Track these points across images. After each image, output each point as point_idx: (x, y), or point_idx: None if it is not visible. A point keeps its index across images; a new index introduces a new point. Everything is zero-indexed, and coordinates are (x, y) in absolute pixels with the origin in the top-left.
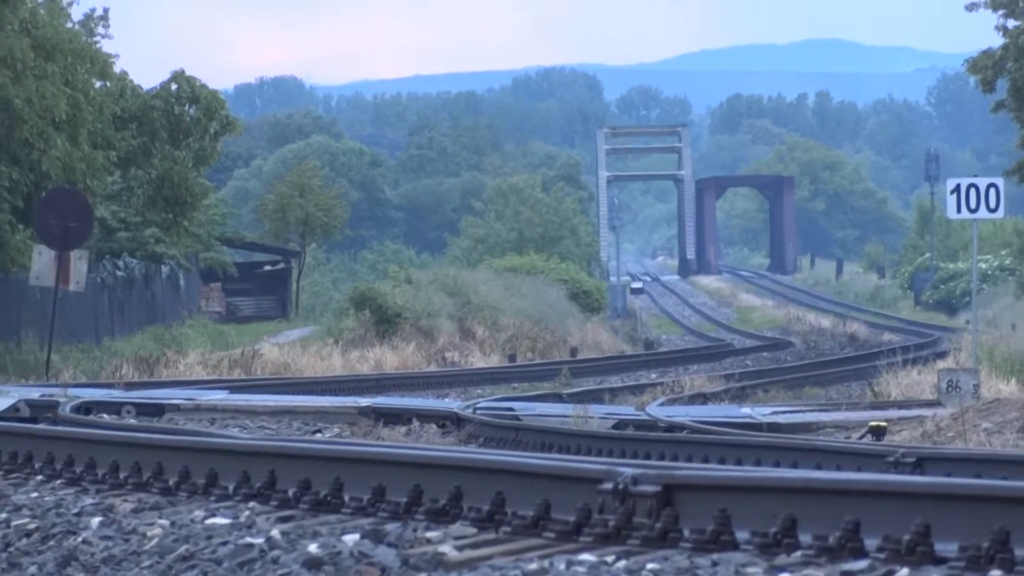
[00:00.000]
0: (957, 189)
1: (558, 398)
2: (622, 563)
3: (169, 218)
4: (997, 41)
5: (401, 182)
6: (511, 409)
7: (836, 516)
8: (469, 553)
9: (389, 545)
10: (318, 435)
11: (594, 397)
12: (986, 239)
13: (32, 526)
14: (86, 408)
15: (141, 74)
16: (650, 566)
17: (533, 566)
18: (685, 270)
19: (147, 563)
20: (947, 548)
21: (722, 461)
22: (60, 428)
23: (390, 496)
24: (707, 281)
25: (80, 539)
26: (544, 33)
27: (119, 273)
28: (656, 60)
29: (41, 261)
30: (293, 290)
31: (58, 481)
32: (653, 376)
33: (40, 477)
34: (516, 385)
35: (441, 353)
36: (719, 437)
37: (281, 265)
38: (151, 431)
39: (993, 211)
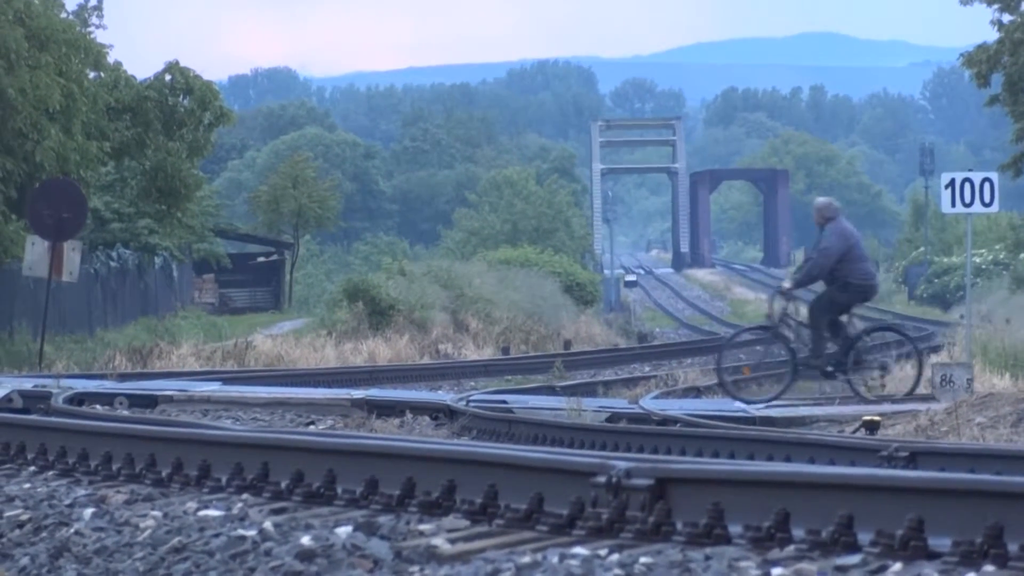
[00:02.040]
0: (952, 183)
1: (551, 391)
2: (615, 556)
3: (163, 209)
4: (992, 35)
5: (395, 174)
6: (504, 402)
7: (829, 510)
8: (462, 546)
9: (382, 537)
10: (311, 427)
11: (587, 390)
12: (980, 233)
13: (24, 517)
14: (79, 399)
15: (135, 65)
16: (643, 560)
17: (526, 559)
18: (679, 263)
19: (140, 554)
20: (940, 543)
21: (715, 455)
22: (53, 419)
23: (383, 488)
24: (701, 274)
25: (73, 530)
26: (538, 25)
27: (112, 264)
28: (650, 53)
29: (34, 252)
30: (286, 282)
31: (51, 472)
32: (647, 369)
33: (32, 468)
34: (509, 378)
35: (434, 345)
36: (712, 431)
37: (274, 257)
38: (144, 422)
39: (988, 205)
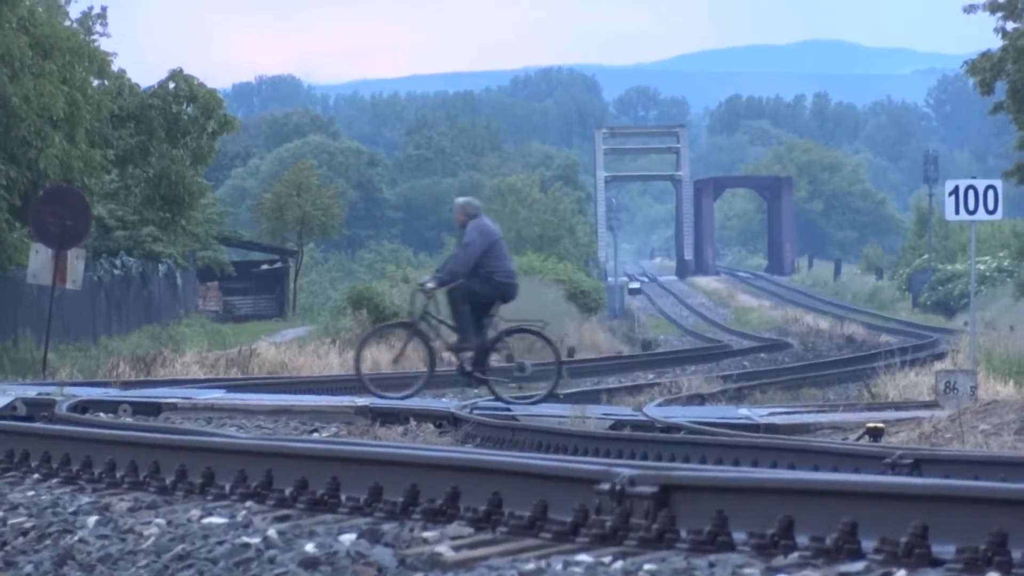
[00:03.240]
0: (956, 191)
1: (555, 398)
2: (619, 564)
3: (166, 217)
4: (996, 43)
5: (399, 182)
6: (508, 409)
7: (833, 518)
8: (466, 553)
9: (386, 545)
10: (315, 434)
11: (591, 397)
12: (984, 241)
13: (28, 525)
14: (83, 407)
15: (139, 73)
16: (647, 567)
17: (530, 566)
18: (683, 271)
19: (143, 562)
20: (944, 550)
21: (719, 462)
22: (57, 427)
23: (387, 496)
24: (705, 282)
25: (76, 538)
26: (542, 33)
27: (116, 272)
28: (654, 60)
29: (38, 259)
30: (290, 289)
31: (55, 480)
32: (650, 377)
33: (37, 476)
34: (513, 385)
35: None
36: (716, 438)
37: (278, 264)
38: (148, 430)
39: (991, 213)
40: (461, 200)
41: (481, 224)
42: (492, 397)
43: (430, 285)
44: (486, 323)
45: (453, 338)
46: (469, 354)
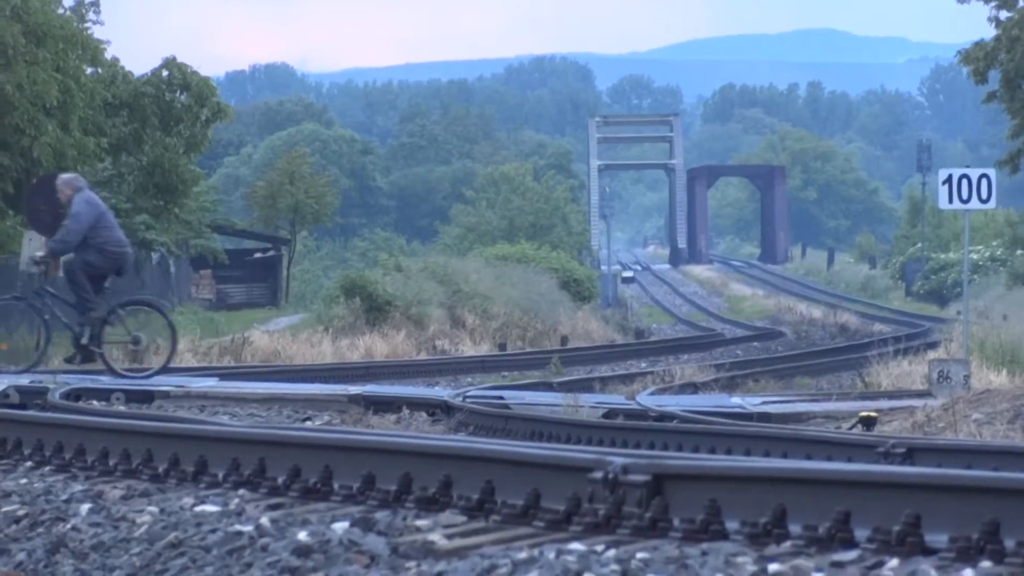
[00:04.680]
0: (949, 179)
1: (548, 387)
2: (612, 552)
3: (159, 205)
4: (989, 32)
5: (392, 170)
6: (501, 398)
7: (826, 506)
8: (459, 541)
9: (379, 533)
10: (308, 423)
11: (584, 386)
12: (977, 230)
13: (21, 512)
14: (76, 395)
15: (133, 61)
16: (640, 555)
17: (523, 555)
18: (676, 259)
19: (136, 550)
20: (937, 539)
21: (712, 451)
22: (50, 415)
23: (380, 484)
24: (698, 270)
25: (69, 525)
26: (536, 22)
27: None
28: (648, 49)
29: (31, 247)
30: (283, 277)
31: (47, 468)
32: (643, 365)
33: (29, 463)
34: (506, 374)
35: (431, 341)
36: (709, 427)
37: (271, 252)
38: (141, 418)
39: (985, 202)
40: (66, 176)
41: (87, 196)
42: (105, 370)
43: (40, 254)
44: (100, 296)
45: (73, 314)
46: (87, 327)
